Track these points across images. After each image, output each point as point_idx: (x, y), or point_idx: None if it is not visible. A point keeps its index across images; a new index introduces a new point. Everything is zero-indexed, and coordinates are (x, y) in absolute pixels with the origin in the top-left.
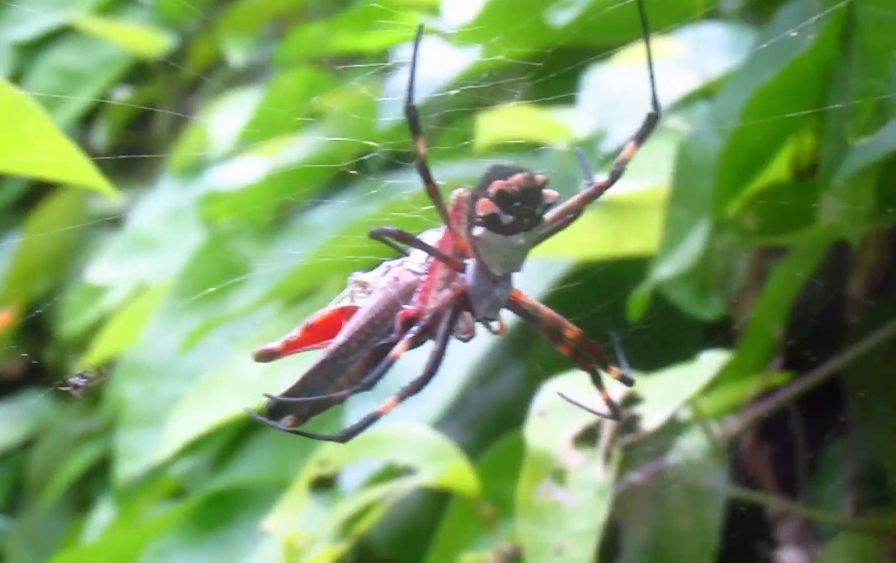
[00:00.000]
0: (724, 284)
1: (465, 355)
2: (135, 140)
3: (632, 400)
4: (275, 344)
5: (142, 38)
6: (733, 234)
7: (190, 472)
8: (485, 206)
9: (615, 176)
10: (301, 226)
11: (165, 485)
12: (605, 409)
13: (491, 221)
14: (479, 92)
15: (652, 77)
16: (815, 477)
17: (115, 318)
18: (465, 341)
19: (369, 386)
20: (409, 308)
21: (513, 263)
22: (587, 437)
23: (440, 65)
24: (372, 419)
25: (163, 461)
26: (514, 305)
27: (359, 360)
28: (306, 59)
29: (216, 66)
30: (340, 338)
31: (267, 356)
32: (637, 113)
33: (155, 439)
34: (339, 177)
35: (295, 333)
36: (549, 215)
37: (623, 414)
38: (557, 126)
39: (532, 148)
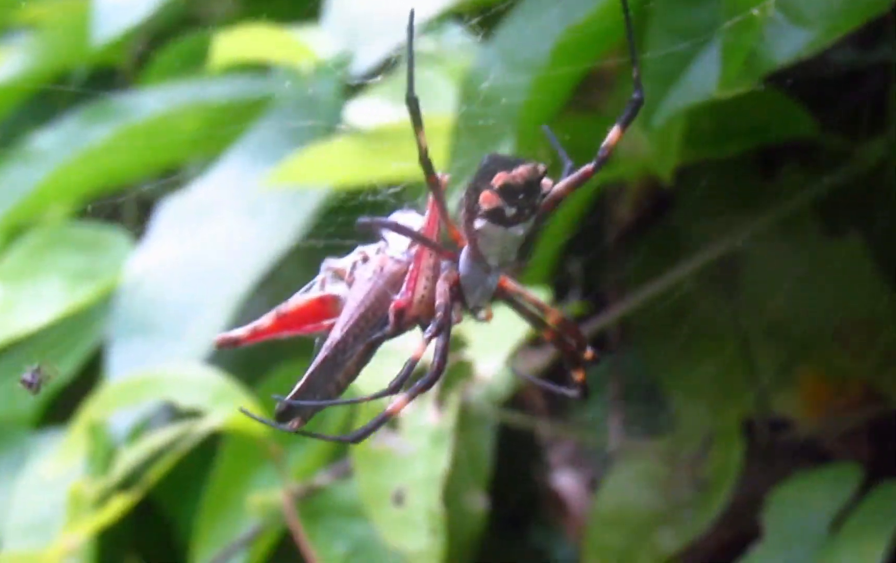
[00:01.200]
0: None
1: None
2: None
3: (460, 344)
4: (240, 331)
5: None
6: None
7: None
8: (489, 199)
9: (601, 161)
10: (24, 151)
11: None
12: (573, 390)
13: (494, 215)
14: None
15: (635, 61)
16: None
17: None
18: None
19: (395, 390)
20: (400, 299)
21: (509, 253)
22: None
23: None
24: (384, 419)
25: None
26: (500, 291)
27: (355, 355)
28: None
29: None
30: (337, 333)
31: (230, 343)
32: (385, 33)
33: None
34: (46, 96)
35: (264, 320)
36: None
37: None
38: (299, 46)
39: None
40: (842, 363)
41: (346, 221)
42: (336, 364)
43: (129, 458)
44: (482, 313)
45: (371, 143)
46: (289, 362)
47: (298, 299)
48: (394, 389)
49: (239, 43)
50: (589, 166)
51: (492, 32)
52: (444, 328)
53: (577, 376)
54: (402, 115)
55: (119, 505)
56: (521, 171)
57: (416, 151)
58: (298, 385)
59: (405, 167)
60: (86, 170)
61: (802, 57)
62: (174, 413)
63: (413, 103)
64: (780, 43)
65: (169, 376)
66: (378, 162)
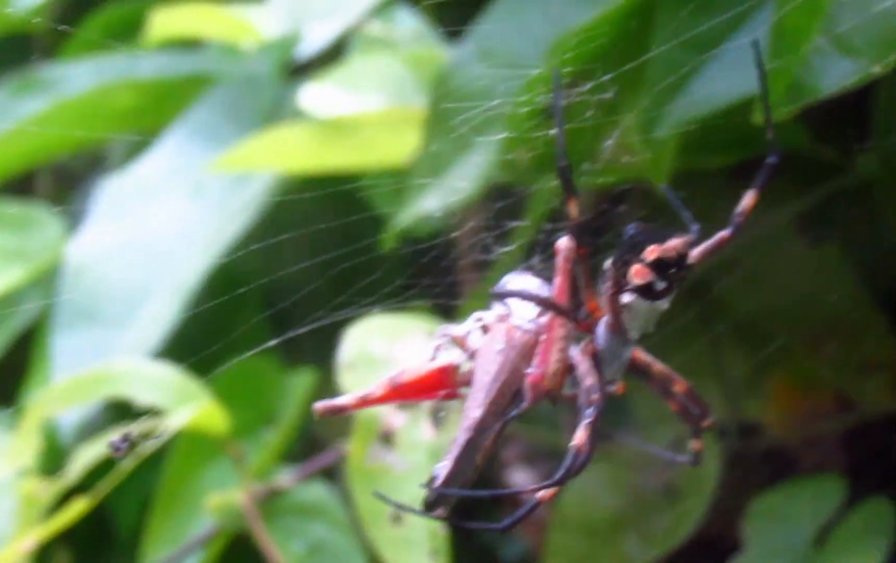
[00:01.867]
0: None
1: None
2: None
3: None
4: (344, 400)
5: None
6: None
7: None
8: (641, 274)
9: (737, 227)
10: None
11: None
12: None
13: (645, 289)
14: None
15: (769, 123)
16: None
17: None
18: None
19: (562, 482)
20: (535, 373)
21: (650, 325)
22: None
23: None
24: (534, 507)
25: None
26: (632, 362)
27: (492, 433)
28: None
29: None
30: (476, 412)
31: (332, 412)
32: (333, 14)
33: None
34: None
35: (375, 389)
36: None
37: None
38: (243, 24)
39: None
40: (815, 370)
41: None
42: (477, 446)
43: (85, 458)
44: (614, 387)
45: (324, 131)
46: (239, 352)
47: (416, 369)
48: (560, 480)
49: (178, 18)
50: (725, 232)
51: (444, 18)
52: (601, 410)
53: (695, 445)
54: (357, 103)
55: (79, 508)
56: (675, 245)
57: (370, 142)
58: (446, 472)
59: (359, 158)
60: (14, 146)
61: (849, 86)
62: (116, 410)
63: (565, 172)
64: (826, 71)
65: (124, 372)
66: (331, 151)
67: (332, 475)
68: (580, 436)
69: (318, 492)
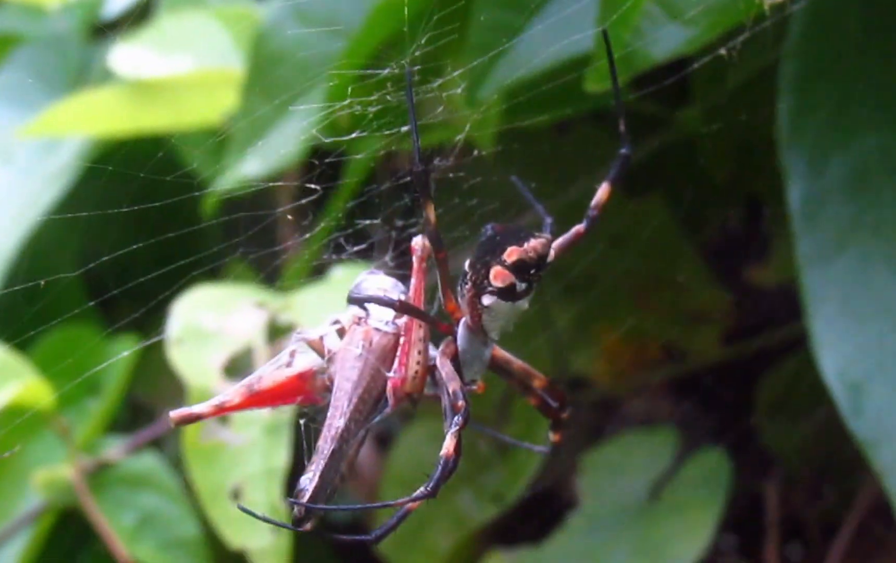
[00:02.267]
0: None
1: None
2: None
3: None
4: (200, 407)
5: None
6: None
7: None
8: (502, 276)
9: (592, 221)
10: None
11: None
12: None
13: (506, 291)
14: None
15: (622, 114)
16: None
17: None
18: None
19: (433, 493)
20: (395, 377)
21: (510, 325)
22: (238, 366)
23: None
24: (404, 516)
25: None
26: (491, 360)
27: (356, 441)
28: None
29: None
30: (339, 422)
31: (188, 420)
32: None
33: None
34: None
35: (231, 396)
36: None
37: None
38: None
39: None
40: (642, 323)
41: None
42: (343, 454)
43: None
44: (475, 386)
45: (136, 93)
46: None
47: (274, 375)
48: (432, 492)
49: None
50: (580, 227)
51: None
52: (468, 416)
53: (555, 437)
54: (169, 65)
55: None
56: (535, 245)
57: (185, 104)
58: (313, 486)
59: (173, 120)
60: None
61: (682, 54)
62: None
63: (420, 176)
64: (658, 39)
65: None
66: (144, 114)
67: (160, 443)
68: (449, 444)
69: (147, 462)
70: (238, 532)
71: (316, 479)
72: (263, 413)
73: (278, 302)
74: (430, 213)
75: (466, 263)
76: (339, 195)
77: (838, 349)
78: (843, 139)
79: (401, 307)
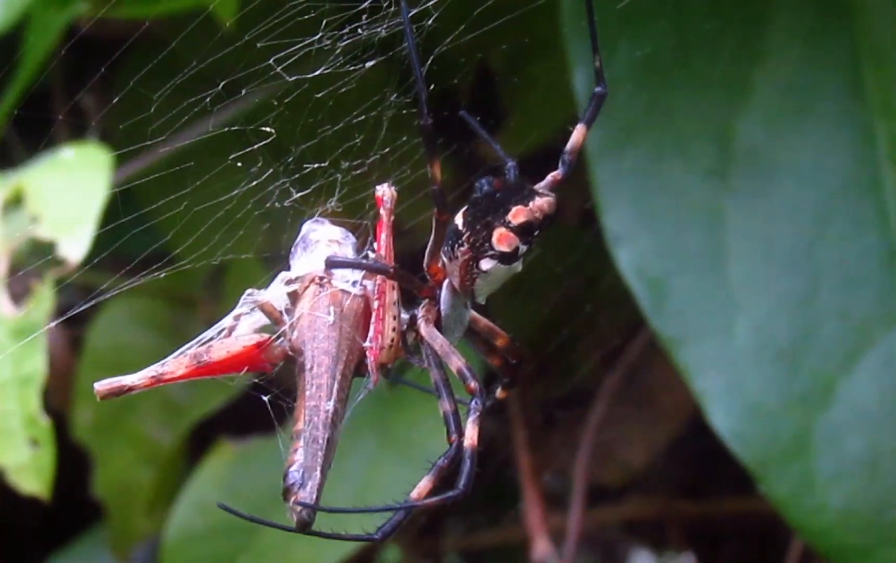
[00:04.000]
0: None
1: None
2: None
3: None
4: (132, 378)
5: None
6: None
7: None
8: (507, 240)
9: (570, 166)
10: None
11: None
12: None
13: (509, 255)
14: None
15: (596, 49)
16: None
17: None
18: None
19: (466, 492)
20: (374, 347)
21: (499, 286)
22: None
23: None
24: (410, 511)
25: None
26: None
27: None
28: None
29: None
30: (328, 405)
31: (117, 393)
32: None
33: None
34: None
35: (170, 367)
36: None
37: None
38: None
39: None
40: None
41: None
42: (336, 441)
43: None
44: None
45: None
46: None
47: (227, 344)
48: (465, 489)
49: None
50: (558, 172)
51: None
52: (483, 399)
53: (500, 393)
54: None
55: None
56: (541, 205)
57: None
58: (315, 482)
59: None
60: None
61: None
62: None
63: (427, 129)
64: None
65: None
66: None
67: None
68: (472, 434)
69: None
70: None
71: (318, 475)
72: (7, 312)
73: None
74: (437, 170)
75: (459, 222)
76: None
77: (635, 245)
78: (631, 24)
79: (395, 274)
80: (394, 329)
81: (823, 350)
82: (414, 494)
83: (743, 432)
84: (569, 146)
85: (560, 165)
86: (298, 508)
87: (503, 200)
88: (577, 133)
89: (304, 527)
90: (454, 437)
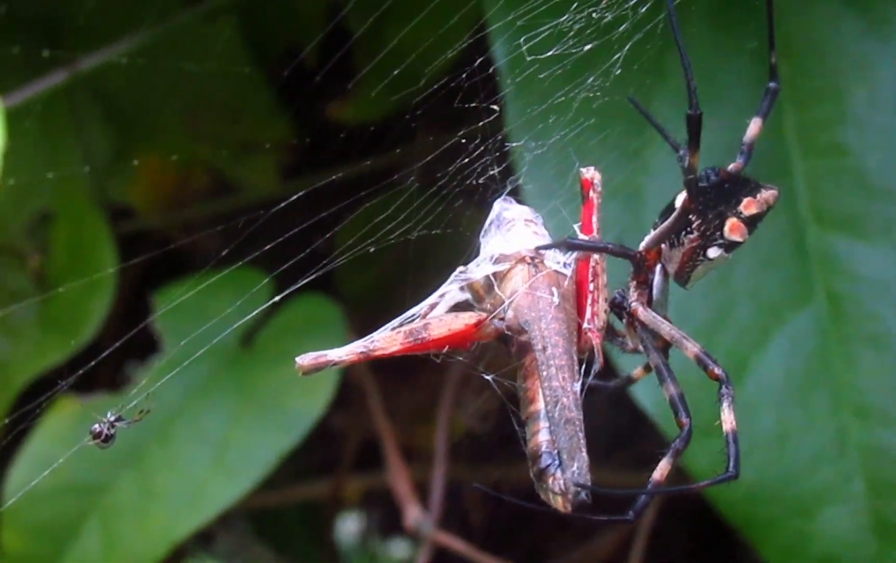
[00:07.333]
0: None
1: None
2: None
3: None
4: (339, 353)
5: None
6: None
7: None
8: (739, 230)
9: (748, 157)
10: None
11: None
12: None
13: (735, 245)
14: None
15: (773, 46)
16: None
17: None
18: None
19: (737, 474)
20: (595, 330)
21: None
22: None
23: None
24: (658, 490)
25: None
26: None
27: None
28: None
29: None
30: (575, 385)
31: (320, 367)
32: None
33: None
34: None
35: (383, 341)
36: None
37: None
38: None
39: None
40: (191, 151)
41: None
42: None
43: None
44: None
45: None
46: None
47: (446, 321)
48: (735, 471)
49: None
50: (739, 162)
51: None
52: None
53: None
54: None
55: None
56: (767, 197)
57: None
58: (585, 464)
59: None
60: None
61: None
62: None
63: (695, 121)
64: None
65: None
66: None
67: None
68: (730, 418)
69: None
70: None
71: (584, 455)
72: None
73: None
74: (696, 161)
75: (679, 202)
76: None
77: None
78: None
79: (639, 259)
80: (606, 311)
81: (738, 329)
82: (656, 475)
83: (664, 407)
84: (746, 138)
85: (738, 156)
86: (575, 489)
87: (732, 191)
88: (754, 126)
89: (582, 508)
90: (685, 420)
